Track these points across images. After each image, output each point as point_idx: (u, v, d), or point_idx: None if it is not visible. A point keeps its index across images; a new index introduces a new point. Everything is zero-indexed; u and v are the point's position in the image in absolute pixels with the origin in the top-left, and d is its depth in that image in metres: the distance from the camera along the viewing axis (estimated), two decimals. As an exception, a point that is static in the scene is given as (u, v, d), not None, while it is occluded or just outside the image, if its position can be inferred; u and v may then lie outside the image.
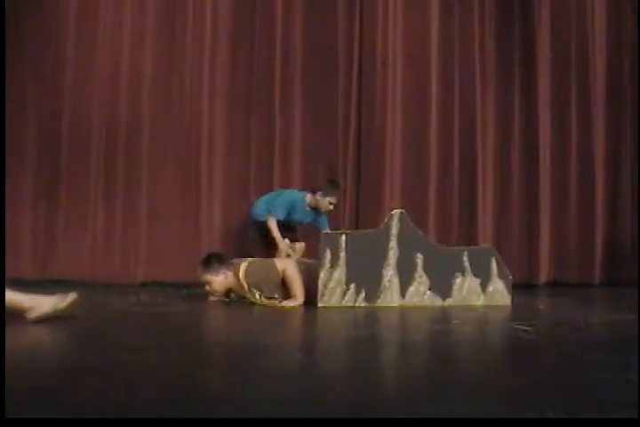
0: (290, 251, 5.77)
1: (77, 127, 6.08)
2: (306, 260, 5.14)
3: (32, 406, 1.94)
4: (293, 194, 5.85)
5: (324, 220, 5.89)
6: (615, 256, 6.71)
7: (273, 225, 5.67)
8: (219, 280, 4.69)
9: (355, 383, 2.38)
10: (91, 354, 2.81)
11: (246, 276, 4.63)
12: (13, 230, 5.92)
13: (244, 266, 4.67)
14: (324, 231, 5.18)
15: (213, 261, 4.72)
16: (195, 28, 6.30)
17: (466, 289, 4.84)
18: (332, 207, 5.82)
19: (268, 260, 4.89)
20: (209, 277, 4.69)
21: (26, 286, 5.56)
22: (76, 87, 6.09)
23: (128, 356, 2.76)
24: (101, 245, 6.04)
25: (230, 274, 4.69)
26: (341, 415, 1.92)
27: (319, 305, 4.56)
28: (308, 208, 5.84)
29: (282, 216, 5.71)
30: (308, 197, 5.82)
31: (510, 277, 4.95)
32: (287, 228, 5.83)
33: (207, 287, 4.75)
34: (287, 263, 4.72)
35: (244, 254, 5.16)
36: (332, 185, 5.83)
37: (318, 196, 5.79)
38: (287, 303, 4.57)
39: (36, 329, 3.50)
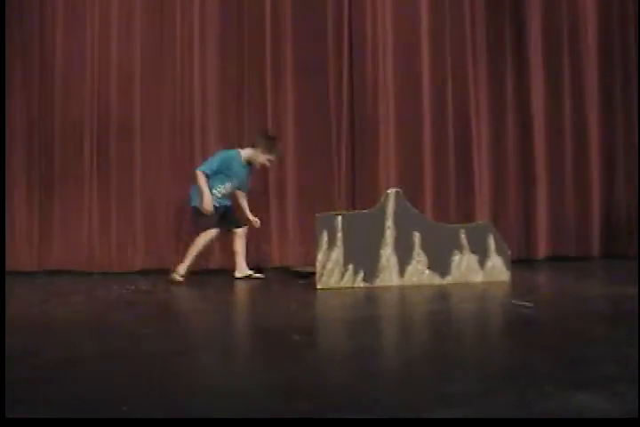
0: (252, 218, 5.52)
1: (69, 118, 6.01)
2: None
3: (32, 398, 1.93)
4: (226, 152, 5.45)
5: (248, 180, 5.56)
6: (612, 228, 6.69)
7: (201, 178, 5.21)
8: None
9: (357, 364, 2.37)
10: (90, 343, 2.80)
11: None
12: (8, 222, 5.88)
13: None
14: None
15: None
16: (183, 15, 6.20)
17: (464, 266, 4.83)
18: (268, 164, 5.51)
19: None
20: None
21: (23, 277, 5.60)
22: (66, 79, 6.02)
23: (127, 344, 2.76)
24: (98, 233, 6.00)
25: None
26: (345, 396, 1.91)
27: (318, 287, 4.55)
28: (244, 163, 5.43)
29: (211, 169, 5.26)
30: (246, 151, 5.45)
31: (508, 252, 4.94)
32: (224, 215, 5.38)
33: None
34: None
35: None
36: (271, 143, 5.46)
37: (259, 151, 5.40)
38: None
39: (36, 318, 3.49)
